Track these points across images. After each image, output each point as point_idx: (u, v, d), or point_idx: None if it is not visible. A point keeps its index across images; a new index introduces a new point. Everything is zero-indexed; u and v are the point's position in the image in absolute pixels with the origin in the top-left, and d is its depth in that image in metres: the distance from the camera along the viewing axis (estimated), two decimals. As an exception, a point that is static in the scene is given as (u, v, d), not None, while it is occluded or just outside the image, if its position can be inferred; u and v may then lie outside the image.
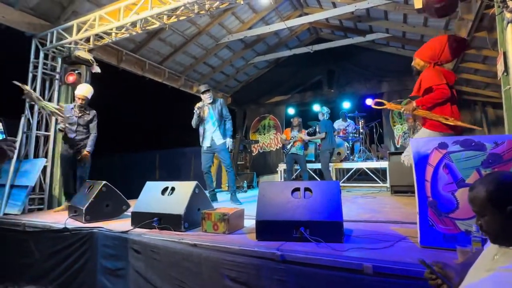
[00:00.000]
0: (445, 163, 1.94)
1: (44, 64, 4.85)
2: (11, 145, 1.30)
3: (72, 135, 4.15)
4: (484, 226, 1.07)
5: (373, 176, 6.43)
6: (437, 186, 1.95)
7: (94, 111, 4.36)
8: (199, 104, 4.54)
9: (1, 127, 1.40)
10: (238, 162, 7.94)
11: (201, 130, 4.60)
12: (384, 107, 3.23)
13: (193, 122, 4.59)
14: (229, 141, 4.52)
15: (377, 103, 3.22)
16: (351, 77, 8.47)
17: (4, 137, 1.38)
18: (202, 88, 4.61)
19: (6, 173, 4.25)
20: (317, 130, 6.34)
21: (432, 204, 1.94)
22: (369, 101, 3.16)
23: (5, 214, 3.90)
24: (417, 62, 3.09)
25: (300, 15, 7.07)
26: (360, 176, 7.66)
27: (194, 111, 4.54)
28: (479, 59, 5.36)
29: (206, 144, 4.54)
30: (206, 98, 4.51)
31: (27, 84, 4.72)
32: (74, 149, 4.16)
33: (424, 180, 1.99)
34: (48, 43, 4.77)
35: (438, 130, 2.82)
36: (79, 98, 4.19)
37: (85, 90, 4.26)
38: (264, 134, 9.60)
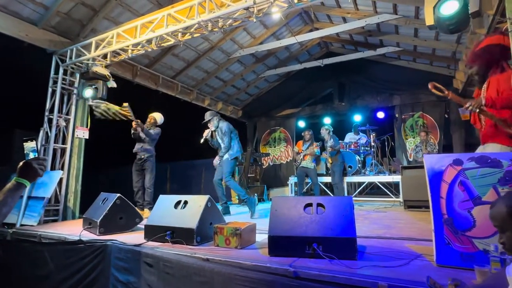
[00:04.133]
0: (461, 180, 1.92)
1: (63, 79, 5.05)
2: (42, 163, 1.32)
3: (138, 146, 5.07)
4: (507, 242, 1.06)
5: (386, 190, 6.33)
6: (452, 203, 1.92)
7: (159, 129, 5.26)
8: (207, 132, 4.93)
9: (34, 145, 1.44)
10: (249, 175, 7.96)
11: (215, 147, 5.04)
12: (444, 94, 2.74)
13: (213, 146, 5.04)
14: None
15: (435, 87, 2.75)
16: (362, 90, 8.47)
17: (36, 155, 1.42)
18: (206, 117, 4.95)
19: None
20: (329, 144, 6.33)
21: (448, 222, 1.90)
22: (430, 85, 2.70)
23: (21, 225, 3.99)
24: (477, 70, 2.72)
25: (311, 30, 7.18)
26: (372, 190, 7.56)
27: (208, 139, 4.97)
28: (493, 73, 5.30)
29: (216, 159, 4.91)
30: (211, 127, 4.93)
31: (46, 99, 4.92)
32: (140, 162, 5.03)
33: (439, 197, 1.96)
34: (67, 59, 4.97)
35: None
36: (149, 117, 5.28)
37: (155, 113, 5.35)
38: (275, 147, 9.61)
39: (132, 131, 5.06)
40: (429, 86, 2.68)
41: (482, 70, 2.69)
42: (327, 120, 9.03)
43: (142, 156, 5.03)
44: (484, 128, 2.69)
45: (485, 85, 2.75)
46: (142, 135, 4.99)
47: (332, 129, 6.55)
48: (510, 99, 2.41)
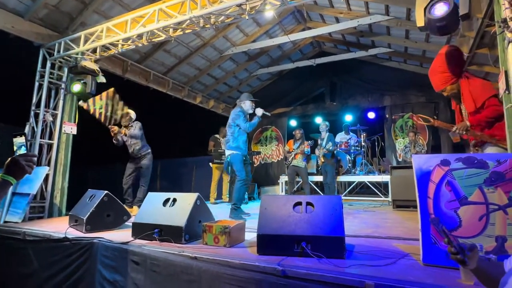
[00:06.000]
0: (448, 180, 1.94)
1: (51, 73, 4.93)
2: (30, 160, 1.23)
3: (130, 150, 4.91)
4: None
5: (375, 190, 6.40)
6: (439, 203, 1.94)
7: (139, 123, 5.00)
8: (259, 110, 4.33)
9: (23, 140, 1.37)
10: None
11: (244, 141, 4.33)
12: (430, 124, 2.99)
13: (253, 127, 4.32)
14: None
15: (423, 119, 3.00)
16: (354, 91, 8.53)
17: (26, 151, 1.34)
18: (251, 96, 4.47)
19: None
20: (327, 146, 6.31)
21: (434, 221, 1.93)
22: (415, 117, 2.94)
23: (5, 221, 3.89)
24: (450, 89, 2.88)
25: (304, 29, 7.18)
26: (362, 189, 7.63)
27: (259, 115, 4.33)
28: (481, 75, 5.39)
29: (245, 153, 4.33)
30: (253, 107, 4.40)
31: (32, 93, 4.80)
32: (136, 161, 4.93)
33: (426, 196, 1.98)
34: (55, 53, 4.85)
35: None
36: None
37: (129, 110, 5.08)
38: (266, 146, 9.61)
39: (114, 141, 4.84)
40: (415, 118, 2.87)
41: (456, 83, 2.85)
42: (318, 120, 9.06)
43: (139, 155, 4.91)
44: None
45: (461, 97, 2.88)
46: (124, 138, 4.86)
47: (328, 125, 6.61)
48: (487, 117, 2.60)
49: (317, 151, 6.60)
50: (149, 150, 5.02)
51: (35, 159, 1.28)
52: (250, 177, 4.43)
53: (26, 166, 1.23)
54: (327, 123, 6.60)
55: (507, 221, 1.76)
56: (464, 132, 2.65)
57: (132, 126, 4.96)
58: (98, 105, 4.83)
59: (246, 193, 6.83)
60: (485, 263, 1.20)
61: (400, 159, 7.55)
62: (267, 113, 4.35)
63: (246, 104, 4.35)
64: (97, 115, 4.81)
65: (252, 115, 4.39)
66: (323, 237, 2.11)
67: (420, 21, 2.72)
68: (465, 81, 2.79)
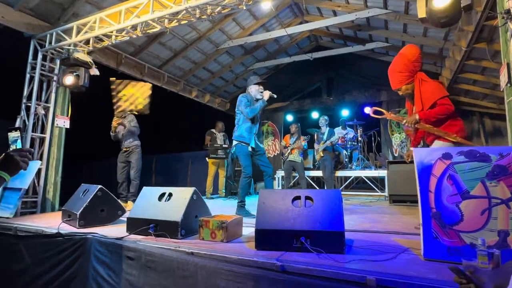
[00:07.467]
0: (449, 174, 1.91)
1: (42, 65, 4.80)
2: (25, 156, 1.19)
3: (121, 141, 4.90)
4: None
5: (371, 185, 6.40)
6: (441, 197, 1.91)
7: (132, 115, 5.01)
8: (265, 93, 3.92)
9: (18, 135, 1.31)
10: (236, 168, 7.88)
11: (247, 128, 3.82)
12: (383, 116, 3.15)
13: (254, 112, 3.80)
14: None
15: (375, 112, 3.11)
16: (350, 85, 8.50)
17: (20, 146, 1.29)
18: (258, 78, 4.06)
19: None
20: (330, 140, 6.22)
21: (436, 216, 1.90)
22: (367, 109, 3.02)
23: (-4, 217, 3.80)
24: (405, 88, 2.96)
25: (301, 23, 7.10)
26: (358, 184, 7.63)
27: (261, 96, 3.91)
28: (478, 70, 5.39)
29: (252, 144, 3.82)
30: (260, 91, 3.93)
31: (24, 85, 4.68)
32: (126, 154, 4.88)
33: (427, 190, 1.95)
34: (47, 44, 4.72)
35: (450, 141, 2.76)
36: None
37: None
38: (262, 141, 9.57)
39: (112, 134, 4.86)
40: (371, 112, 2.97)
41: (411, 84, 2.94)
42: (315, 115, 9.03)
43: (128, 148, 4.86)
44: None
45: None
46: (122, 133, 4.85)
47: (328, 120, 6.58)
48: (437, 114, 2.71)
49: (316, 146, 6.54)
50: (139, 144, 4.95)
51: (31, 154, 1.23)
52: (271, 168, 3.98)
53: (21, 161, 1.18)
54: (326, 117, 6.54)
55: (510, 215, 1.73)
56: (413, 125, 2.79)
57: (126, 117, 4.94)
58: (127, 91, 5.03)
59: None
60: (502, 277, 1.16)
61: (396, 154, 7.56)
62: (273, 95, 3.97)
63: (253, 90, 3.96)
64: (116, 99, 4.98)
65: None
66: (322, 232, 2.07)
67: (421, 13, 2.67)
68: (418, 83, 2.87)
